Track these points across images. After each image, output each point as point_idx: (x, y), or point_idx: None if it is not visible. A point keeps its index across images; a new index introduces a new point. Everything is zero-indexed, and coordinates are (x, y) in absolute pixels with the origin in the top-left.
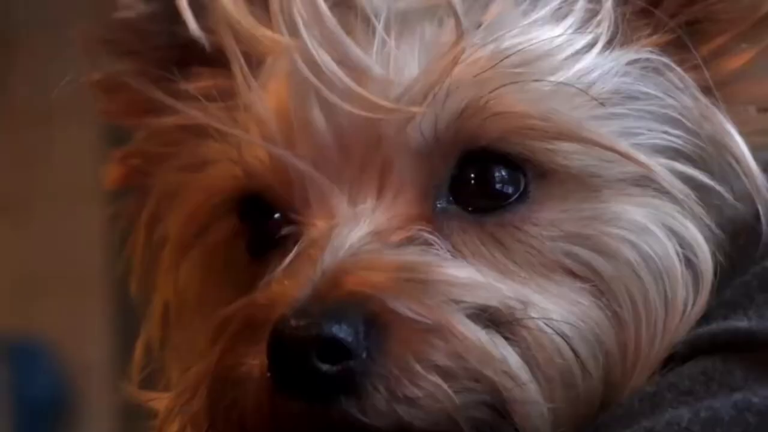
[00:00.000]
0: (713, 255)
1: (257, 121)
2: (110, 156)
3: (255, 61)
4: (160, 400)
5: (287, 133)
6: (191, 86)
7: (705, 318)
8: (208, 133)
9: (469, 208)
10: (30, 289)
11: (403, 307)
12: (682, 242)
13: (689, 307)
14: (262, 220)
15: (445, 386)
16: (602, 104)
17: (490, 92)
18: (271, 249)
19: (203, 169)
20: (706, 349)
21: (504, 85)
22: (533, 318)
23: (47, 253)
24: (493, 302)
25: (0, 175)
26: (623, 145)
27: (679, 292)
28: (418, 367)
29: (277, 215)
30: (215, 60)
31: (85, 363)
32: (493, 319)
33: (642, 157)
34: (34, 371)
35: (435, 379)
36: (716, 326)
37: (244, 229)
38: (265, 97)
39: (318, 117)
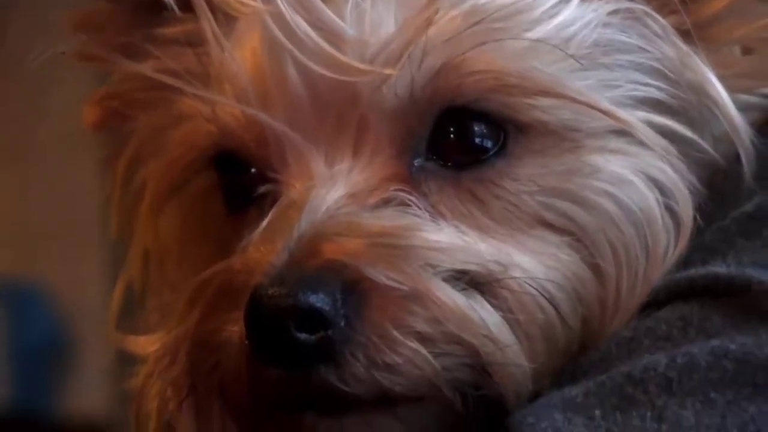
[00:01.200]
0: (693, 201)
1: (231, 80)
2: (89, 97)
3: (226, 18)
4: (138, 343)
5: (262, 93)
6: (167, 30)
7: (683, 263)
8: (184, 80)
9: (448, 164)
10: (27, 235)
11: (380, 275)
12: (663, 190)
13: (669, 254)
14: (239, 175)
15: (424, 352)
16: (580, 61)
17: (466, 51)
18: (249, 204)
19: (179, 123)
20: (684, 294)
21: (480, 44)
22: (514, 278)
23: (45, 200)
24: (472, 265)
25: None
26: (602, 101)
27: (660, 241)
28: (396, 334)
29: (253, 170)
30: (191, 4)
31: (82, 308)
32: (472, 281)
33: (621, 114)
34: (31, 316)
35: (414, 345)
36: (694, 271)
37: (221, 182)
38: (238, 57)
39: (293, 75)
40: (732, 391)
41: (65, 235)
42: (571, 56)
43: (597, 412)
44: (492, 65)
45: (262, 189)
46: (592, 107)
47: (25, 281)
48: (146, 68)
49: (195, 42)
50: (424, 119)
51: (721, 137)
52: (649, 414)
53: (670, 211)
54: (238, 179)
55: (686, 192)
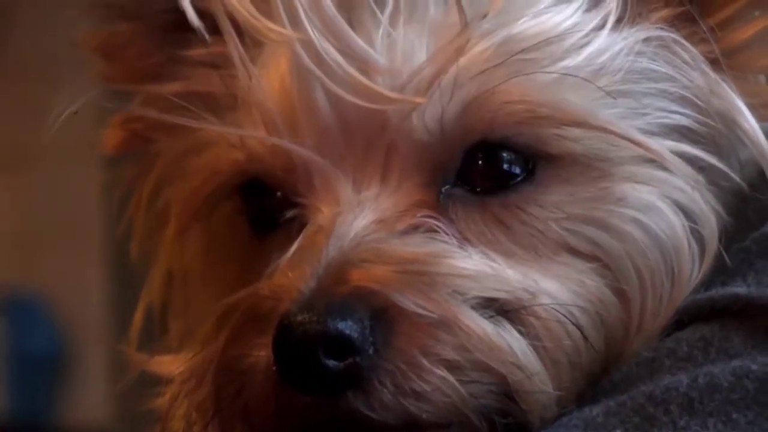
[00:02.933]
0: (718, 225)
1: (258, 106)
2: (110, 121)
3: (253, 41)
4: (159, 363)
5: (289, 118)
6: (192, 52)
7: (703, 284)
8: (211, 101)
9: (475, 189)
10: (28, 243)
11: (409, 302)
12: (690, 215)
13: (693, 277)
14: (264, 200)
15: (452, 379)
16: (611, 94)
17: (498, 84)
18: (274, 228)
19: (204, 148)
20: (705, 315)
21: (512, 77)
22: (542, 305)
23: (46, 209)
24: (500, 293)
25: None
26: (632, 130)
27: (685, 266)
28: (424, 362)
29: (279, 194)
30: (218, 26)
31: (82, 318)
32: (500, 309)
33: (651, 144)
34: (31, 325)
35: (442, 372)
36: (715, 292)
37: (246, 207)
38: (265, 82)
39: (321, 101)
40: (753, 412)
41: (66, 244)
42: (601, 88)
43: None
44: (524, 97)
45: (289, 214)
46: (623, 138)
47: (26, 291)
48: (175, 87)
49: (221, 64)
50: (453, 152)
51: (747, 162)
52: None
53: (696, 236)
54: (264, 204)
55: (712, 217)
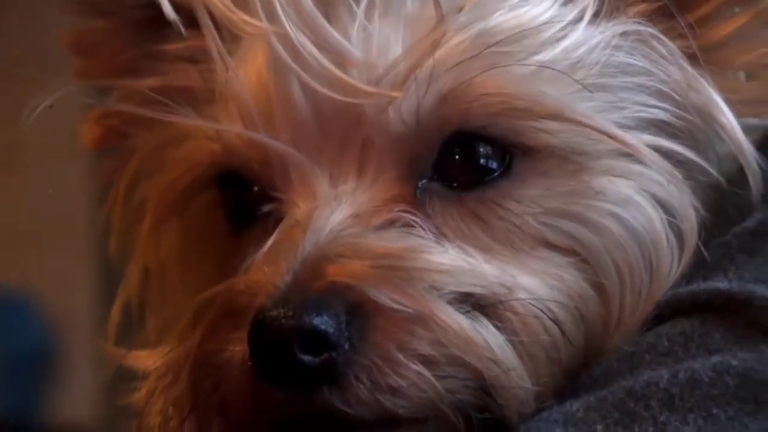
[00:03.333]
0: (697, 219)
1: (235, 99)
2: (87, 116)
3: (231, 35)
4: (137, 358)
5: (266, 112)
6: (169, 47)
7: (684, 278)
8: (188, 95)
9: (452, 184)
10: (15, 243)
11: (385, 297)
12: (668, 209)
13: (673, 272)
14: (241, 193)
15: (428, 374)
16: (587, 87)
17: (474, 77)
18: (251, 222)
19: (181, 141)
20: (686, 309)
21: (488, 69)
22: (519, 299)
23: (33, 208)
24: (476, 288)
25: None
26: (609, 124)
27: (664, 260)
28: (400, 357)
29: (255, 188)
30: (194, 20)
31: (70, 316)
32: (477, 304)
33: (628, 138)
34: (19, 324)
35: (418, 367)
36: (696, 287)
37: (223, 200)
38: (242, 75)
39: (297, 95)
40: (733, 408)
41: (53, 243)
42: (578, 81)
43: (599, 427)
44: (500, 89)
45: (265, 208)
46: (600, 131)
47: (13, 289)
48: (151, 82)
49: (198, 59)
50: (429, 144)
51: (725, 156)
52: (651, 429)
53: (675, 229)
54: (241, 197)
55: (691, 210)
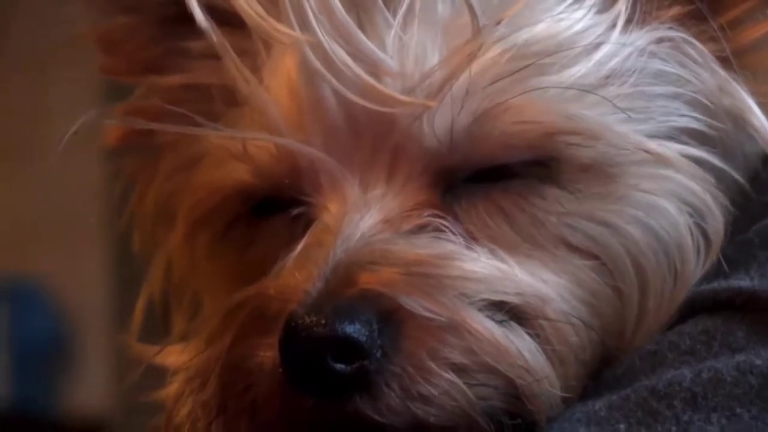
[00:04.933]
0: (723, 220)
1: (260, 109)
2: (109, 113)
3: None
4: (162, 355)
5: (296, 118)
6: (195, 44)
7: (706, 275)
8: (212, 94)
9: (479, 181)
10: (28, 232)
11: (417, 305)
12: (695, 212)
13: (697, 273)
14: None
15: (460, 383)
16: (622, 103)
17: (510, 98)
18: (275, 211)
19: (206, 155)
20: (708, 307)
21: (523, 92)
22: (550, 307)
23: (46, 198)
24: (509, 297)
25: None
26: (641, 135)
27: (689, 263)
28: (432, 365)
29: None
30: (221, 17)
31: (83, 305)
32: (510, 312)
33: (661, 150)
34: (32, 314)
35: (450, 376)
36: (717, 285)
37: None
38: (273, 84)
39: (329, 102)
40: (757, 407)
41: (66, 232)
42: (610, 100)
43: (621, 427)
44: (536, 117)
45: (295, 211)
46: (636, 147)
47: (26, 279)
48: (178, 79)
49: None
50: (463, 164)
51: (752, 154)
52: (674, 429)
53: (701, 231)
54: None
55: (719, 213)
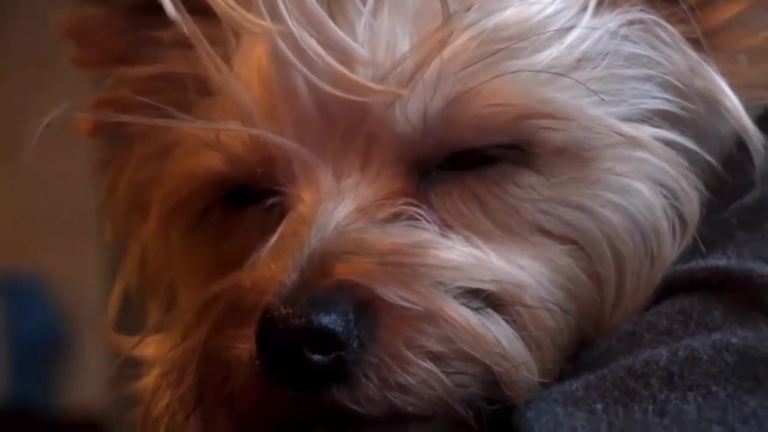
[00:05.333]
0: (698, 201)
1: (233, 98)
2: (81, 104)
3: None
4: (138, 345)
5: (268, 108)
6: (165, 33)
7: (682, 255)
8: (183, 83)
9: (453, 167)
10: (25, 227)
11: (393, 294)
12: (670, 193)
13: (673, 253)
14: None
15: (437, 371)
16: (594, 85)
17: (482, 83)
18: (249, 202)
19: (178, 145)
20: (685, 287)
21: (496, 76)
22: (527, 294)
23: (44, 195)
24: (486, 284)
25: None
26: (617, 122)
27: (665, 245)
28: (409, 354)
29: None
30: (189, 4)
31: (80, 301)
32: (486, 299)
33: (634, 132)
34: (29, 309)
35: (427, 365)
36: (695, 264)
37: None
38: (244, 72)
39: (301, 91)
40: (733, 385)
41: (63, 227)
42: (582, 83)
43: (598, 406)
44: (508, 99)
45: (269, 201)
46: (609, 129)
47: (24, 274)
48: (149, 69)
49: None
50: (437, 150)
51: (727, 135)
52: (651, 408)
53: (677, 213)
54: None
55: (694, 194)
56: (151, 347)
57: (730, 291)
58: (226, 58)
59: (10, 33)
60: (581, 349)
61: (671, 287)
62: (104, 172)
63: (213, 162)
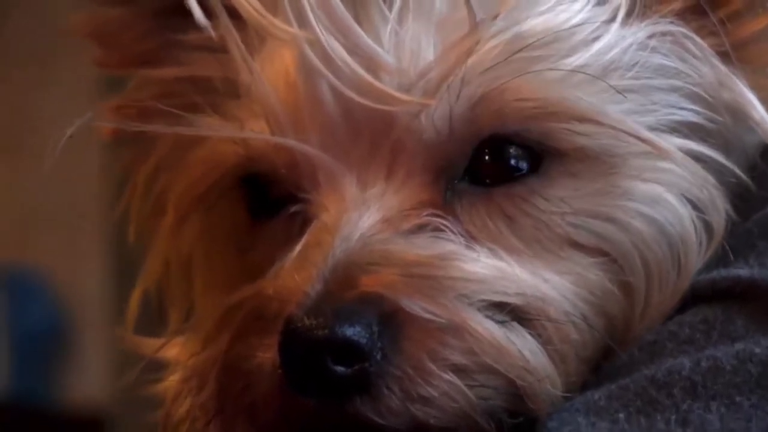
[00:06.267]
0: (724, 211)
1: (261, 101)
2: (103, 106)
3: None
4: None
5: (294, 114)
6: (190, 37)
7: (705, 265)
8: (209, 85)
9: (481, 181)
10: (27, 222)
11: (417, 307)
12: (697, 205)
13: (699, 263)
14: (265, 190)
15: (460, 384)
16: (619, 90)
17: (506, 81)
18: (273, 214)
19: (203, 140)
20: (707, 296)
21: (520, 75)
22: (552, 306)
23: (45, 188)
24: (511, 298)
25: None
26: (640, 126)
27: (692, 255)
28: (432, 367)
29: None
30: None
31: (82, 295)
32: (511, 312)
33: (660, 142)
34: (30, 303)
35: (450, 377)
36: (717, 274)
37: (245, 193)
38: (269, 76)
39: (327, 98)
40: (757, 395)
41: (65, 222)
42: (611, 86)
43: (621, 416)
44: (533, 94)
45: (292, 208)
46: (633, 136)
47: (25, 268)
48: (173, 72)
49: (219, 48)
50: (463, 151)
51: (752, 145)
52: (673, 418)
53: (703, 222)
54: (265, 193)
55: (720, 205)
56: (171, 350)
57: (752, 300)
58: (247, 74)
59: (10, 32)
60: (604, 359)
61: (693, 297)
62: (115, 171)
63: (235, 150)
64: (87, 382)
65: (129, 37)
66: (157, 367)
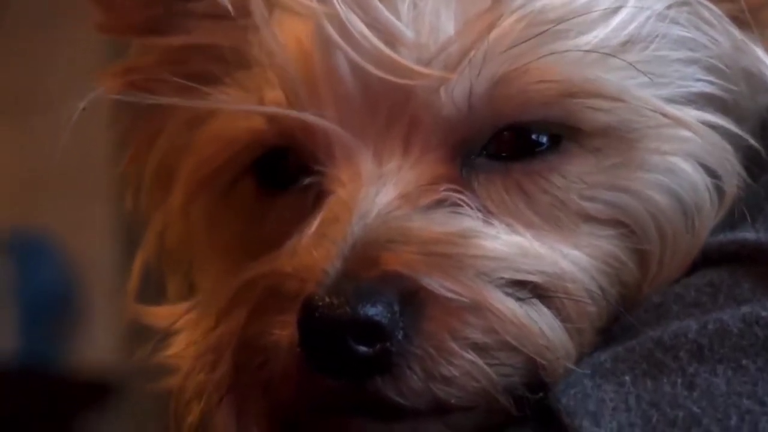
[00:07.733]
0: (737, 177)
1: (278, 70)
2: (107, 70)
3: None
4: (157, 315)
5: (310, 85)
6: (196, 4)
7: (715, 227)
8: (218, 54)
9: (499, 155)
10: (35, 186)
11: (438, 285)
12: (712, 171)
13: (710, 227)
14: (278, 161)
15: (481, 363)
16: (639, 68)
17: (529, 62)
18: (286, 185)
19: (215, 115)
20: (714, 259)
21: (543, 56)
22: (570, 283)
23: (52, 152)
24: (531, 276)
25: (3, 77)
26: (663, 104)
27: (706, 221)
28: (454, 346)
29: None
30: None
31: (90, 259)
32: (532, 289)
33: (679, 114)
34: (39, 267)
35: (471, 356)
36: (723, 237)
37: (255, 165)
38: (283, 44)
39: (343, 69)
40: (763, 359)
41: (72, 186)
42: (631, 63)
43: (627, 378)
44: (555, 76)
45: (306, 180)
46: (655, 111)
47: (33, 233)
48: (180, 40)
49: (225, 15)
50: (481, 130)
51: (764, 107)
52: (679, 381)
53: (716, 188)
54: (276, 164)
55: (734, 172)
56: (169, 317)
57: (758, 264)
58: (255, 30)
59: None
60: (612, 323)
61: (704, 260)
62: (125, 139)
63: (254, 123)
64: (95, 346)
65: (133, 2)
66: (164, 335)
